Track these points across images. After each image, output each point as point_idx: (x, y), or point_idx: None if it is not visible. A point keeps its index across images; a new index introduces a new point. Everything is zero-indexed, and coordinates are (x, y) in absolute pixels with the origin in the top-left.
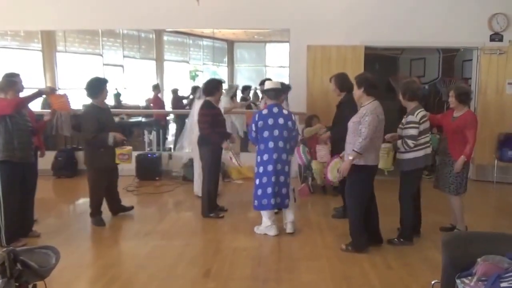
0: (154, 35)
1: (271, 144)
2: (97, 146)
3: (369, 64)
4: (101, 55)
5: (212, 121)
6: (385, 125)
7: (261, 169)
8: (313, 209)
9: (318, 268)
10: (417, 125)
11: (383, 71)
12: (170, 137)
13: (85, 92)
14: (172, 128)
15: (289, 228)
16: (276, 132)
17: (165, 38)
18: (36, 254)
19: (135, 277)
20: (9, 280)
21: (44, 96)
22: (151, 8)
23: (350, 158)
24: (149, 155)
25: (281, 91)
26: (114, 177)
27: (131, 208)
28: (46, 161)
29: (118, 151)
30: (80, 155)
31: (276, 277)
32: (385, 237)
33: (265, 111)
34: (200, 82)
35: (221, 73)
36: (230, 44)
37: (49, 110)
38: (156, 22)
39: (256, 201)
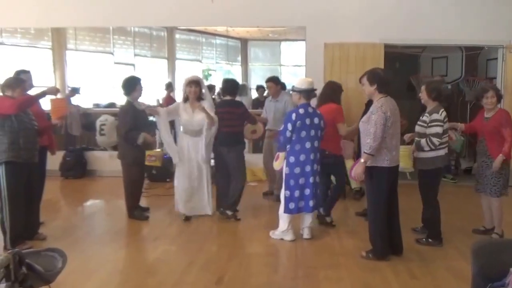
0: (165, 33)
1: (308, 145)
2: (128, 143)
3: (389, 63)
4: (112, 54)
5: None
6: (408, 125)
7: (297, 170)
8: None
9: (337, 277)
10: (442, 123)
11: (404, 70)
12: None
13: (121, 90)
14: None
15: (306, 234)
16: (312, 132)
17: (177, 36)
18: (42, 257)
19: (143, 283)
20: (13, 284)
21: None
22: (164, 5)
23: (362, 160)
24: None
25: (315, 90)
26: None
27: (147, 209)
28: (54, 161)
29: (147, 152)
30: (89, 155)
31: (293, 286)
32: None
33: (301, 111)
34: (213, 81)
35: (235, 72)
36: (244, 42)
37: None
38: (169, 19)
39: (292, 204)
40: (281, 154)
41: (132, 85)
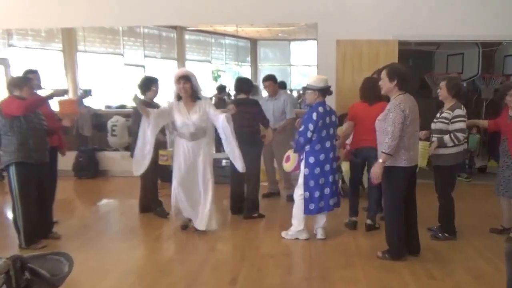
0: (175, 34)
1: (328, 144)
2: None
3: (402, 60)
4: (122, 55)
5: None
6: (421, 124)
7: (317, 170)
8: (344, 214)
9: (353, 278)
10: (464, 119)
11: (418, 67)
12: None
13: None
14: None
15: (320, 234)
16: (331, 131)
17: (186, 37)
18: (47, 261)
19: (157, 283)
20: None
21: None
22: (173, 3)
23: (381, 161)
24: None
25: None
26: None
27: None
28: (67, 161)
29: (160, 151)
30: (101, 155)
31: (308, 286)
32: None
33: (321, 109)
34: (223, 82)
35: (244, 72)
36: (254, 42)
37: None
38: (179, 17)
39: (312, 204)
40: (293, 155)
41: (147, 85)
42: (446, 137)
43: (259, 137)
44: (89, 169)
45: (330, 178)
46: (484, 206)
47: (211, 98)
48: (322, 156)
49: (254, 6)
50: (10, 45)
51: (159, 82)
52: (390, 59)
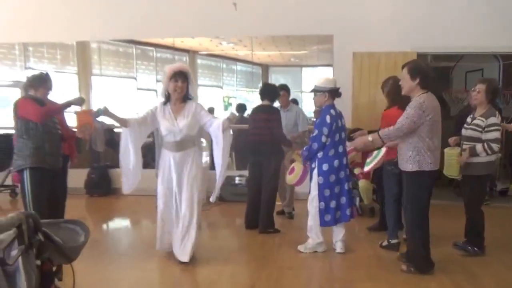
0: (187, 58)
1: (341, 148)
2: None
3: None
4: (135, 79)
5: None
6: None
7: (332, 178)
8: (362, 229)
9: None
10: (499, 127)
11: (435, 84)
12: (204, 157)
13: None
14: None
15: (339, 247)
16: (343, 135)
17: (198, 61)
18: (62, 229)
19: None
20: (28, 251)
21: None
22: (186, 16)
23: (370, 139)
24: None
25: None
26: None
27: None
28: (78, 178)
29: None
30: (113, 172)
31: None
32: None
33: (333, 112)
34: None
35: (255, 100)
36: (265, 68)
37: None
38: (192, 30)
39: (329, 216)
40: (298, 167)
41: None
42: (479, 147)
43: (279, 148)
44: (101, 187)
45: (346, 186)
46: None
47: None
48: (336, 162)
49: (270, 17)
50: (27, 68)
51: None
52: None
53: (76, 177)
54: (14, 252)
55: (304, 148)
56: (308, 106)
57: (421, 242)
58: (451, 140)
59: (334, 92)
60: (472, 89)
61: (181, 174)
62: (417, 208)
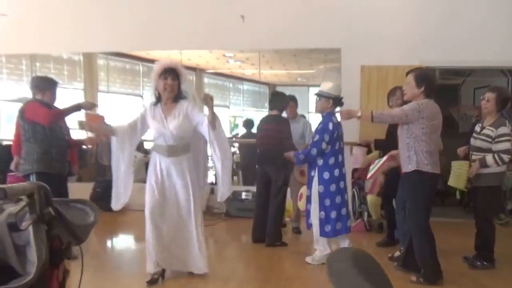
0: (194, 76)
1: (340, 157)
2: None
3: None
4: (141, 96)
5: None
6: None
7: (332, 187)
8: (370, 244)
9: None
10: (510, 138)
11: (443, 103)
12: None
13: None
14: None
15: None
16: (342, 144)
17: (205, 80)
18: (70, 209)
19: None
20: (39, 220)
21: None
22: (192, 29)
23: (359, 114)
24: None
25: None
26: None
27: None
28: (84, 192)
29: None
30: None
31: None
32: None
33: (335, 119)
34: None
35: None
36: (272, 88)
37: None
38: (199, 42)
39: (329, 226)
40: (304, 192)
41: None
42: (489, 158)
43: (287, 160)
44: (107, 201)
45: (346, 197)
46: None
47: (237, 135)
48: (336, 172)
49: (278, 31)
50: None
51: None
52: None
53: (82, 191)
54: (25, 224)
55: (301, 152)
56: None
57: (428, 252)
58: (460, 150)
59: (338, 100)
60: (482, 97)
61: (174, 182)
62: (419, 216)
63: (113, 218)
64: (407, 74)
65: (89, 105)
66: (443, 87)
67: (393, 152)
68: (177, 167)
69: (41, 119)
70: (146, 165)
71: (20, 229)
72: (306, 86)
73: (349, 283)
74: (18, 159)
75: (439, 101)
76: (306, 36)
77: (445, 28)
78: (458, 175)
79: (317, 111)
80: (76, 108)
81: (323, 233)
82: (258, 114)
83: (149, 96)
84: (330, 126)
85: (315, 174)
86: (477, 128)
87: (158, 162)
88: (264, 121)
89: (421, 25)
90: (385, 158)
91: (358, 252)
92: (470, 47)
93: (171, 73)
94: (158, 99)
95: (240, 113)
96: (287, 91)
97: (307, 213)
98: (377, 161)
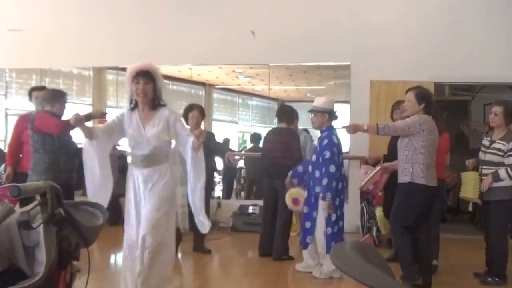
0: (204, 92)
1: (342, 171)
2: None
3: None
4: None
5: None
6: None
7: (337, 202)
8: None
9: None
10: None
11: (453, 119)
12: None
13: None
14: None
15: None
16: (341, 158)
17: (214, 95)
18: (80, 212)
19: None
20: (50, 220)
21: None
22: (203, 45)
23: (365, 128)
24: None
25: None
26: None
27: (209, 251)
28: None
29: None
30: (123, 201)
31: None
32: None
33: (335, 132)
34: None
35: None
36: (281, 103)
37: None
38: (209, 57)
39: (333, 242)
40: (300, 195)
41: (185, 114)
42: (502, 172)
43: None
44: (111, 215)
45: (343, 210)
46: None
47: (245, 148)
48: (340, 185)
49: (287, 46)
50: None
51: None
52: None
53: None
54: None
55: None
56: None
57: (408, 253)
58: (469, 162)
59: (333, 114)
60: (489, 111)
61: (149, 195)
62: (403, 215)
63: (117, 231)
64: (406, 92)
65: (99, 114)
66: (453, 103)
67: (385, 164)
68: (153, 178)
69: (52, 128)
70: None
71: (31, 227)
72: None
73: (354, 265)
74: (11, 171)
75: (449, 117)
76: (316, 52)
77: (454, 44)
78: (470, 184)
79: (315, 127)
80: (87, 118)
81: (329, 250)
82: (267, 130)
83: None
84: (335, 139)
85: (319, 190)
86: (486, 142)
87: (135, 174)
88: (271, 133)
89: (430, 41)
90: (377, 169)
91: (362, 243)
92: (479, 63)
93: (143, 76)
94: (135, 105)
95: (248, 128)
96: (296, 107)
97: (305, 230)
98: (370, 171)
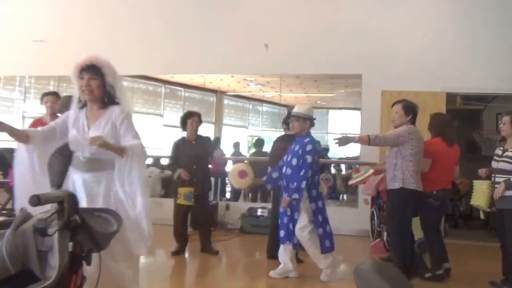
0: (215, 98)
1: (320, 176)
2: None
3: None
4: (162, 116)
5: None
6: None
7: (320, 204)
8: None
9: None
10: None
11: (465, 128)
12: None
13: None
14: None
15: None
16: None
17: (225, 102)
18: (94, 218)
19: None
20: (64, 229)
21: None
22: (219, 53)
23: (358, 139)
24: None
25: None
26: (198, 213)
27: (216, 252)
28: None
29: (179, 189)
30: None
31: None
32: None
33: (313, 138)
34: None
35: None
36: (291, 110)
37: None
38: (224, 67)
39: (328, 241)
40: (249, 169)
41: (182, 121)
42: None
43: None
44: None
45: (326, 215)
46: None
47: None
48: (319, 189)
49: (299, 56)
50: None
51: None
52: (438, 111)
53: None
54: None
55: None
56: (334, 148)
57: (401, 248)
58: (482, 171)
59: (312, 120)
60: (499, 121)
61: (92, 204)
62: (398, 219)
63: None
64: (393, 104)
65: None
66: (465, 112)
67: (377, 166)
68: (97, 185)
69: None
70: (162, 180)
71: (47, 234)
72: (326, 108)
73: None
74: None
75: (461, 126)
76: (327, 62)
77: (466, 54)
78: (481, 193)
79: (296, 131)
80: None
81: (324, 250)
82: (276, 135)
83: (169, 116)
84: (317, 146)
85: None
86: (498, 151)
87: (73, 177)
88: (279, 139)
89: (442, 51)
90: (370, 171)
91: (381, 263)
92: (491, 74)
93: (89, 70)
94: (84, 104)
95: (258, 133)
96: None
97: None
98: (363, 170)
